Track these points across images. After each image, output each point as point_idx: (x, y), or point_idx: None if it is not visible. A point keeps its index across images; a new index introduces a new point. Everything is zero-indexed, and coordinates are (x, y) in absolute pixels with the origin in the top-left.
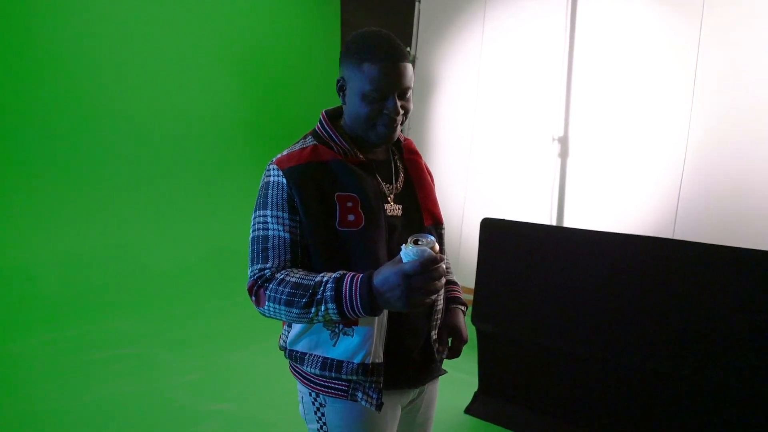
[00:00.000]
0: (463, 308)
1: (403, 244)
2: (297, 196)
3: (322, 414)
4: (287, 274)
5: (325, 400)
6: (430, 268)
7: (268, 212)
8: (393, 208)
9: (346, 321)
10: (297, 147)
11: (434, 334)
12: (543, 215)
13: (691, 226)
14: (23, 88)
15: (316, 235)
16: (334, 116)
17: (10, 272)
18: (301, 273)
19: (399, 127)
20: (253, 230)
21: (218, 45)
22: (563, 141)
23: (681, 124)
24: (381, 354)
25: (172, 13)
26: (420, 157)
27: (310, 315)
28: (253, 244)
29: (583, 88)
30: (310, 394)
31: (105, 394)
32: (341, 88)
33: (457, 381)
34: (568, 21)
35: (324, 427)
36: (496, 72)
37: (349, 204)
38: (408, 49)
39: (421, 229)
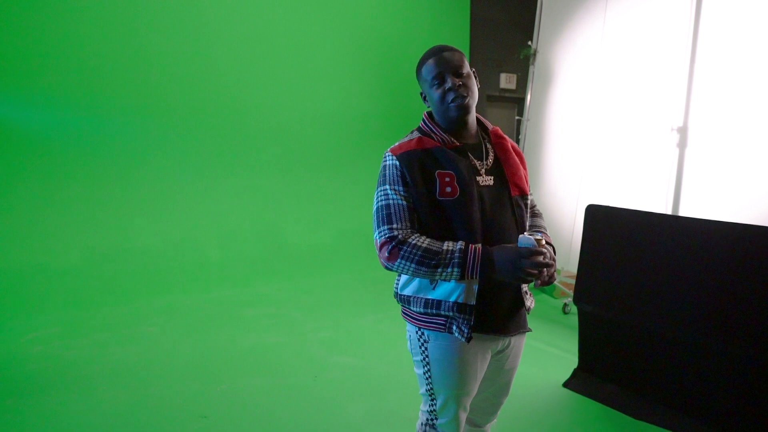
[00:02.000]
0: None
1: (523, 235)
2: (408, 174)
3: (426, 348)
4: (418, 240)
5: (428, 337)
6: (537, 255)
7: (388, 186)
8: (485, 179)
9: (462, 280)
10: (406, 139)
11: (523, 287)
12: (659, 205)
13: None
14: (188, 88)
15: (422, 203)
16: (432, 116)
17: (183, 244)
18: (428, 240)
19: (469, 101)
20: (377, 201)
21: (356, 44)
22: (682, 131)
23: None
24: (473, 298)
25: (306, 14)
26: (506, 141)
27: (436, 274)
28: (378, 212)
29: (706, 78)
30: (417, 332)
31: (253, 343)
32: (424, 98)
33: (559, 359)
34: (692, 9)
35: (427, 358)
36: (615, 62)
37: (447, 179)
38: (529, 42)
39: (509, 197)
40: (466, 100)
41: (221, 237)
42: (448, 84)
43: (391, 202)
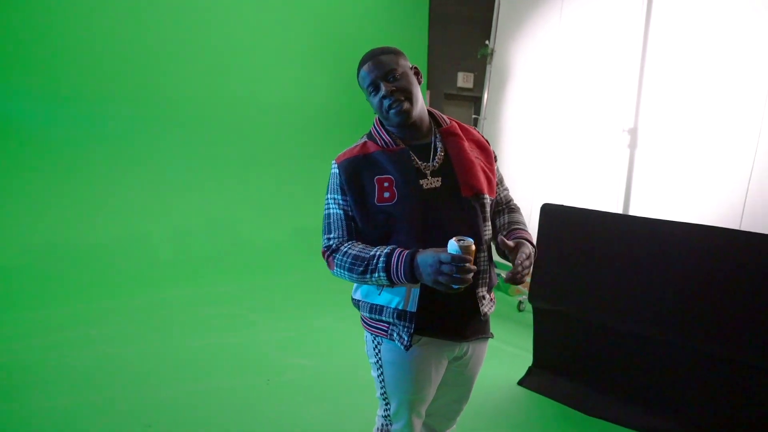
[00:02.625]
0: (529, 244)
1: (451, 239)
2: (346, 183)
3: (379, 351)
4: (349, 247)
5: (381, 341)
6: (458, 262)
7: (329, 196)
8: (431, 182)
9: (393, 285)
10: (353, 145)
11: (480, 291)
12: (611, 204)
13: (758, 218)
14: (145, 77)
15: (361, 211)
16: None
17: (136, 241)
18: (359, 246)
19: (407, 104)
20: (324, 210)
21: (313, 40)
22: (633, 132)
23: (754, 115)
24: (414, 305)
25: (266, 7)
26: (460, 138)
27: (366, 279)
28: (323, 222)
29: (656, 80)
30: (371, 335)
31: (210, 343)
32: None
33: (514, 356)
34: (644, 12)
35: (380, 361)
36: (570, 63)
37: (386, 184)
38: (486, 42)
39: (459, 199)
40: (404, 105)
41: (174, 234)
42: (382, 91)
43: (330, 211)
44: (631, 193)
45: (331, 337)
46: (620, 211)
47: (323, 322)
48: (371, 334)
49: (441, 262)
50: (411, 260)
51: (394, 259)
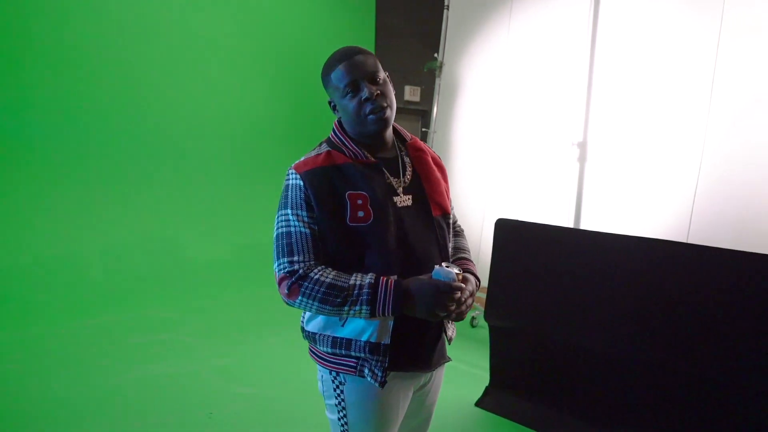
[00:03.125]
0: (474, 277)
1: (437, 265)
2: (312, 196)
3: (341, 391)
4: (321, 274)
5: (344, 379)
6: (456, 291)
7: (289, 211)
8: (403, 200)
9: (372, 319)
10: (313, 153)
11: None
12: (562, 218)
13: (705, 231)
14: (73, 86)
15: (330, 230)
16: (343, 124)
17: (61, 261)
18: (333, 274)
19: (389, 112)
20: (277, 228)
21: (257, 49)
22: (582, 146)
23: (698, 129)
24: (387, 336)
25: (214, 17)
26: (426, 154)
27: (342, 312)
28: (277, 241)
29: (604, 94)
30: (330, 373)
31: (143, 375)
32: (334, 107)
33: (470, 375)
34: (590, 26)
35: (342, 402)
36: (519, 77)
37: (359, 201)
38: (435, 55)
39: (430, 218)
40: (386, 113)
41: (104, 253)
42: (365, 93)
43: (292, 229)
44: (582, 207)
45: (278, 362)
46: (571, 225)
47: (269, 345)
48: (330, 371)
49: (440, 292)
50: (404, 291)
51: (381, 290)
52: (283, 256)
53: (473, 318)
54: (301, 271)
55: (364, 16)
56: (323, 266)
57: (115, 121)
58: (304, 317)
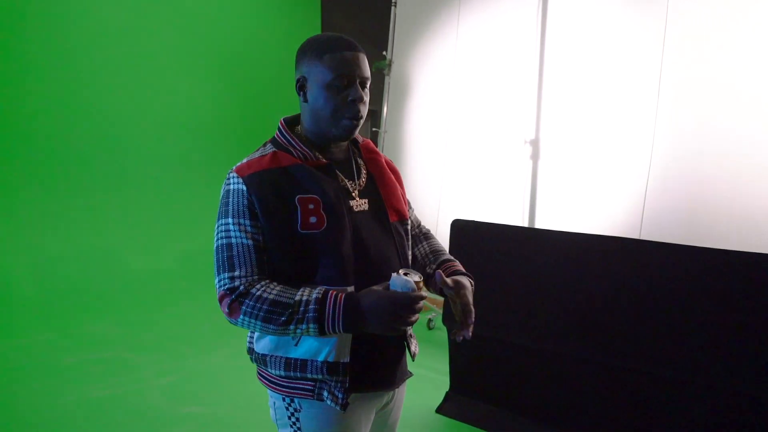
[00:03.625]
0: (470, 279)
1: (394, 273)
2: (257, 202)
3: (297, 419)
4: (264, 290)
5: (300, 405)
6: (416, 302)
7: (230, 220)
8: (359, 204)
9: (323, 336)
10: (257, 155)
11: (409, 329)
12: (516, 217)
13: (656, 226)
14: (4, 89)
15: (279, 239)
16: (292, 123)
17: None
18: (277, 289)
19: (360, 123)
20: (217, 239)
21: (199, 47)
22: (534, 144)
23: (647, 126)
24: (347, 353)
25: (155, 15)
26: (380, 156)
27: (288, 331)
28: (217, 253)
29: (554, 91)
30: (284, 399)
31: (79, 398)
32: (301, 87)
33: (429, 380)
34: (539, 25)
35: (299, 431)
36: (470, 75)
37: (311, 206)
38: (384, 53)
39: (387, 224)
40: (359, 123)
41: (34, 265)
42: (354, 94)
43: (233, 241)
44: (536, 205)
45: (227, 377)
46: (526, 223)
47: (217, 360)
48: (283, 397)
49: (398, 305)
50: (355, 306)
51: (329, 306)
52: (224, 271)
53: (429, 320)
54: (242, 287)
55: (310, 15)
56: (267, 281)
57: (44, 122)
58: (252, 337)
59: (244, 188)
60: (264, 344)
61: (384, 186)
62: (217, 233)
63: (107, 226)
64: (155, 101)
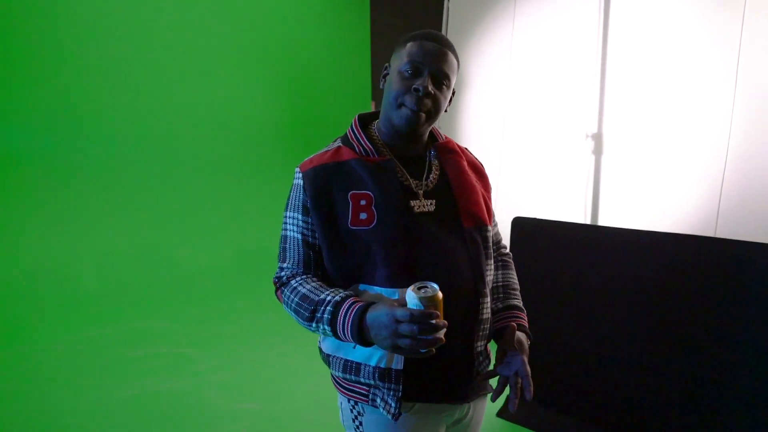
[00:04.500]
0: (522, 334)
1: (409, 288)
2: (309, 199)
3: (360, 423)
4: (300, 284)
5: (363, 409)
6: (420, 321)
7: (288, 213)
8: (423, 204)
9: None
10: (323, 150)
11: (479, 346)
12: (578, 214)
13: (733, 224)
14: (60, 89)
15: (329, 235)
16: (366, 119)
17: (50, 272)
18: (312, 285)
19: (424, 118)
20: (282, 228)
21: (251, 49)
22: (597, 138)
23: (722, 119)
24: (400, 360)
25: (205, 17)
26: (461, 157)
27: (312, 328)
28: (280, 242)
29: (618, 83)
30: (349, 401)
31: (141, 391)
32: (384, 76)
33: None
34: (601, 14)
35: None
36: (527, 69)
37: (362, 202)
38: None
39: (460, 229)
40: (422, 117)
41: (97, 262)
42: (419, 83)
43: (287, 233)
44: (600, 202)
45: (283, 374)
46: (588, 221)
47: (274, 356)
48: (348, 399)
49: (398, 322)
50: (362, 317)
51: (341, 313)
52: (279, 261)
53: None
54: (284, 278)
55: (359, 14)
56: (308, 276)
57: (107, 126)
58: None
59: (302, 183)
60: (328, 344)
61: (460, 188)
62: (283, 223)
63: (166, 225)
64: (210, 103)
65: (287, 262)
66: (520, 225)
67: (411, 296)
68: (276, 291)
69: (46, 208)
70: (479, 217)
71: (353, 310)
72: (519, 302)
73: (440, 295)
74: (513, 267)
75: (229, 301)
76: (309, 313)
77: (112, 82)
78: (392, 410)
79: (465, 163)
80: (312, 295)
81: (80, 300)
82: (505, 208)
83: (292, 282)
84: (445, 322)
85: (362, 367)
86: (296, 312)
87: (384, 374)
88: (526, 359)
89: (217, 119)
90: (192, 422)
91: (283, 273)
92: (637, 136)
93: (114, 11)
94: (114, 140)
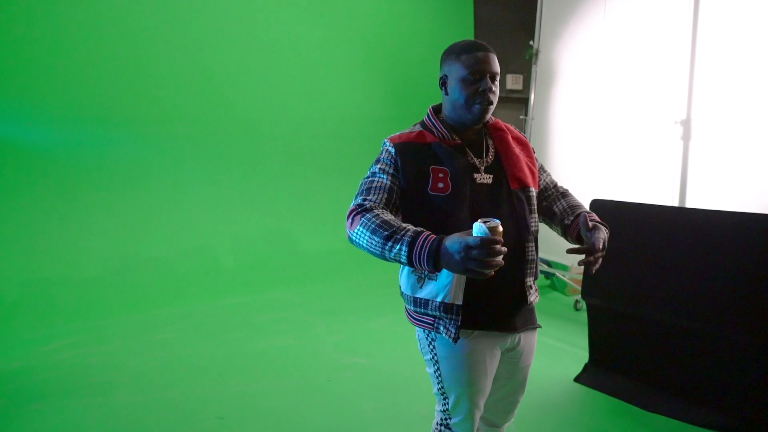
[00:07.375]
0: (606, 229)
1: (477, 221)
2: (400, 162)
3: (434, 346)
4: (382, 212)
5: (435, 335)
6: (488, 245)
7: (377, 167)
8: (483, 177)
9: (411, 266)
10: (407, 131)
11: (528, 281)
12: (665, 198)
13: None
14: (183, 91)
15: (411, 195)
16: (437, 110)
17: (197, 252)
18: (392, 215)
19: (491, 109)
20: (367, 175)
21: (352, 45)
22: (686, 123)
23: None
24: (460, 297)
25: (304, 14)
26: (506, 133)
27: (386, 248)
28: (360, 186)
29: (708, 68)
30: (424, 331)
31: (268, 346)
32: (443, 84)
33: (570, 354)
34: (692, 2)
35: (435, 356)
36: (616, 57)
37: (441, 175)
38: (531, 43)
39: (508, 191)
40: (490, 109)
41: (234, 244)
42: (483, 85)
43: (375, 178)
44: (687, 186)
45: (385, 338)
46: (676, 205)
47: (377, 325)
48: (423, 330)
49: (470, 247)
50: (437, 246)
51: (420, 240)
52: (360, 195)
53: (576, 302)
54: (368, 205)
55: (462, 10)
56: (387, 210)
57: (235, 125)
58: (401, 278)
59: (393, 150)
60: (404, 283)
61: (507, 159)
62: (369, 172)
63: (288, 211)
64: (318, 100)
65: (372, 195)
66: (597, 206)
67: (479, 227)
68: (353, 215)
69: (194, 201)
70: (523, 180)
71: (431, 238)
72: (587, 210)
73: (500, 227)
74: (570, 194)
75: (341, 279)
76: (389, 232)
77: (240, 85)
78: (452, 335)
79: (510, 138)
80: (394, 222)
81: (220, 274)
82: (596, 193)
83: (375, 210)
84: (505, 248)
85: (430, 302)
86: (374, 231)
87: (447, 308)
88: (606, 236)
89: (331, 119)
90: (311, 370)
91: (367, 203)
92: (724, 123)
93: (214, 16)
94: (246, 142)
